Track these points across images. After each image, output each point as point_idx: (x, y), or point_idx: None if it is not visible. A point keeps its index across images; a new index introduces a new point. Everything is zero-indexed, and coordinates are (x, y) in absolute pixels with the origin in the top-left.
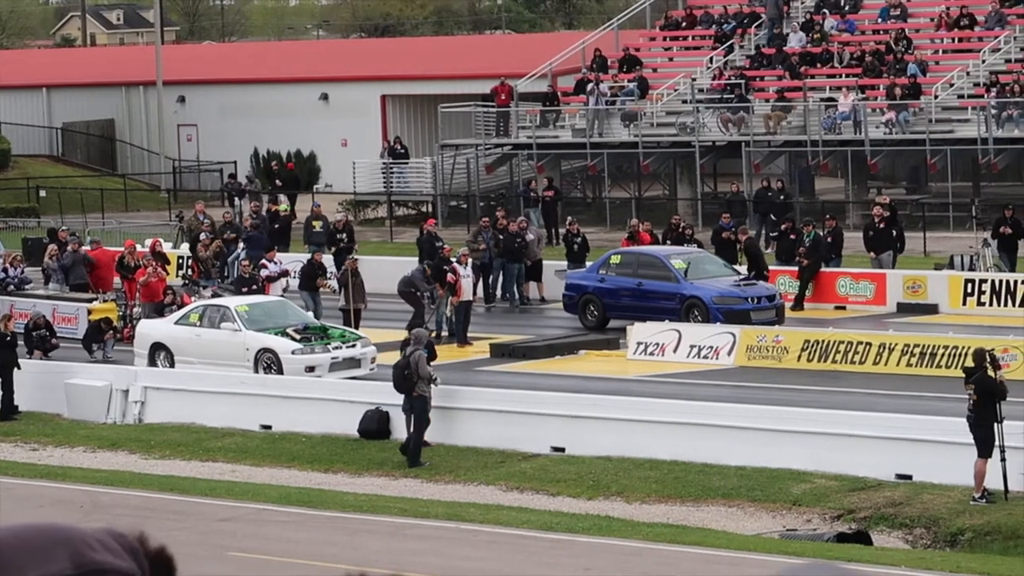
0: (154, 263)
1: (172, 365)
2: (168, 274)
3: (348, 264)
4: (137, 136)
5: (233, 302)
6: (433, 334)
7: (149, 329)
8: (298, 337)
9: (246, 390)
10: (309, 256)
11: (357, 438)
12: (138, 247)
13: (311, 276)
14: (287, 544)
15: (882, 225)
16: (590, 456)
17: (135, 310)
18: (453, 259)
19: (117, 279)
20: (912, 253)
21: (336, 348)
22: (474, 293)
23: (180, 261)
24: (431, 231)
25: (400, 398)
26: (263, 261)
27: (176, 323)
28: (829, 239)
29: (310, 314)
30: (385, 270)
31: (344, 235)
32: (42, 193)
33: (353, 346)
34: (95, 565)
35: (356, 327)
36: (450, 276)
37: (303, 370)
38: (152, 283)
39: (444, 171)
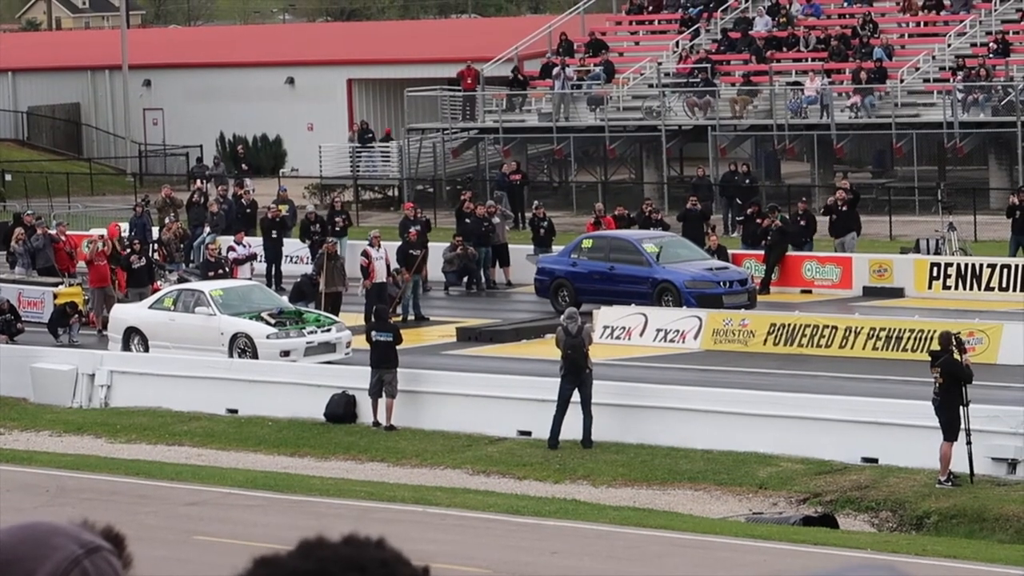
0: (99, 241)
1: (147, 349)
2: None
3: (325, 247)
4: (103, 120)
5: (208, 286)
6: (400, 318)
7: (123, 313)
8: (273, 321)
9: (212, 374)
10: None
11: (323, 422)
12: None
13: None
14: (253, 528)
15: (844, 208)
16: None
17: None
18: (367, 243)
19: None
20: (878, 237)
21: (311, 332)
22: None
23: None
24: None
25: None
26: (231, 244)
27: (150, 307)
28: (802, 222)
29: (284, 298)
30: (352, 254)
31: (342, 217)
32: (8, 177)
33: (328, 330)
34: (93, 544)
35: (337, 310)
36: (362, 260)
37: (278, 354)
38: (99, 266)
39: (411, 155)
